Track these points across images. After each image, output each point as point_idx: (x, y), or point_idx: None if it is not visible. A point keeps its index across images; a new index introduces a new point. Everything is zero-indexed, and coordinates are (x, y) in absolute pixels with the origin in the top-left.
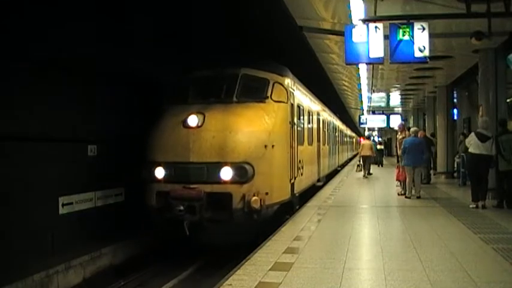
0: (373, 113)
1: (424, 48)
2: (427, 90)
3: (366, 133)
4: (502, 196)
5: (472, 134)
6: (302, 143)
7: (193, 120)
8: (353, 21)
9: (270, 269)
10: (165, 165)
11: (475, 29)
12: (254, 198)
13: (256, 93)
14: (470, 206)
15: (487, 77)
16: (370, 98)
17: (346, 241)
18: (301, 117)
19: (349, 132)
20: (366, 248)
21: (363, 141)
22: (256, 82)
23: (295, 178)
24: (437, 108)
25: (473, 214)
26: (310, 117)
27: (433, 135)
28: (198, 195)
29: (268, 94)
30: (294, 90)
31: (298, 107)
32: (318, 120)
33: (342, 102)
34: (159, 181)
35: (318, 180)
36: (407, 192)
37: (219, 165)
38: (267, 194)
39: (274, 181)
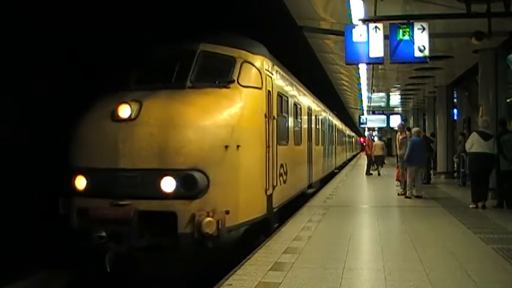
0: (373, 113)
1: (424, 48)
2: (427, 90)
3: (366, 133)
4: (502, 196)
5: (474, 133)
6: (285, 143)
7: (124, 110)
8: (353, 21)
9: (270, 269)
10: (87, 173)
11: (475, 29)
12: (207, 219)
13: (218, 75)
14: (470, 206)
15: (487, 77)
16: (370, 98)
17: (346, 241)
18: (285, 110)
19: (348, 131)
20: (366, 248)
21: (375, 142)
22: (218, 61)
23: (274, 187)
24: (437, 108)
25: (473, 214)
26: (298, 111)
27: (433, 135)
28: (125, 215)
29: (234, 77)
30: (273, 74)
31: (280, 96)
32: (309, 115)
33: (341, 102)
34: (80, 194)
35: (310, 187)
36: (407, 192)
37: (159, 173)
38: (227, 212)
39: (240, 194)
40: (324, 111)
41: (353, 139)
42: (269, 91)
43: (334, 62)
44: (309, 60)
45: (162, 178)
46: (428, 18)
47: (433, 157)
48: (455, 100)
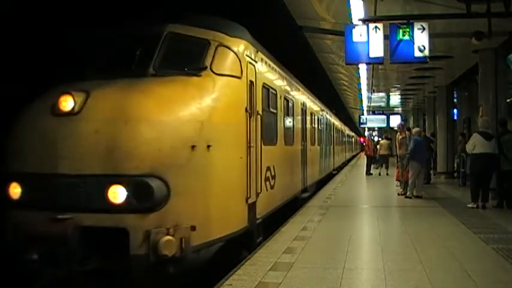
0: (373, 113)
1: (424, 48)
2: (427, 90)
3: (366, 133)
4: (502, 196)
5: (475, 134)
6: (273, 142)
7: (66, 102)
8: (353, 21)
9: (270, 269)
10: (22, 180)
11: (475, 29)
12: (166, 238)
13: (188, 61)
14: (469, 205)
15: (487, 77)
16: (370, 98)
17: (346, 241)
18: (273, 105)
19: (347, 131)
20: (366, 248)
21: (381, 141)
22: (189, 45)
23: (257, 195)
24: (437, 108)
25: (474, 214)
26: (291, 107)
27: (433, 135)
28: (63, 233)
29: (207, 63)
30: (257, 62)
31: (267, 89)
32: (304, 113)
33: (341, 101)
34: (15, 205)
35: (304, 191)
36: (408, 192)
37: (106, 180)
38: (193, 228)
39: (212, 205)
40: (321, 109)
41: (353, 139)
42: (251, 81)
43: (334, 62)
44: (309, 60)
45: (109, 186)
46: (428, 18)
47: (433, 157)
48: (455, 100)
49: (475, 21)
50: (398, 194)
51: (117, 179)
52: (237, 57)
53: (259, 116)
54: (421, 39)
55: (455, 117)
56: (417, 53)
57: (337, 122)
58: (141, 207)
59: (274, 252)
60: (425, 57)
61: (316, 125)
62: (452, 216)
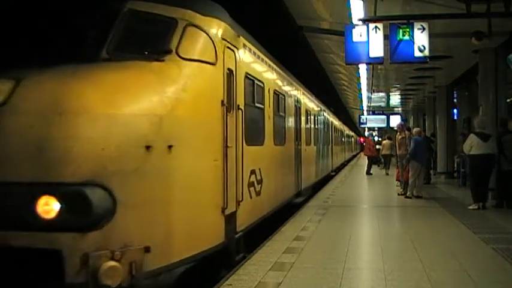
0: (373, 113)
1: (424, 48)
2: (427, 90)
3: (366, 133)
4: (502, 196)
5: (472, 135)
6: (260, 142)
7: None
8: (353, 21)
9: (270, 269)
10: None
11: (475, 29)
12: (110, 264)
13: (151, 44)
14: (470, 207)
15: (487, 77)
16: (370, 98)
17: (346, 241)
18: (259, 100)
19: (347, 130)
20: (366, 248)
21: (384, 141)
22: (151, 24)
23: (238, 203)
24: (437, 108)
25: (473, 214)
26: (282, 103)
27: (433, 135)
28: None
29: (172, 46)
30: (238, 48)
31: (251, 80)
32: (298, 110)
33: (341, 101)
34: None
35: (298, 195)
36: (408, 192)
37: (34, 189)
38: (147, 250)
39: (174, 219)
40: (319, 107)
41: (352, 139)
42: (230, 70)
43: (334, 62)
44: (309, 60)
45: (39, 198)
46: (428, 18)
47: (433, 157)
48: (455, 100)
49: (475, 21)
50: (399, 194)
51: (48, 188)
52: (211, 40)
53: (240, 111)
54: (421, 39)
55: (455, 117)
56: (417, 53)
57: (336, 121)
58: (77, 224)
59: (274, 252)
60: (425, 57)
61: (312, 124)
62: (452, 216)
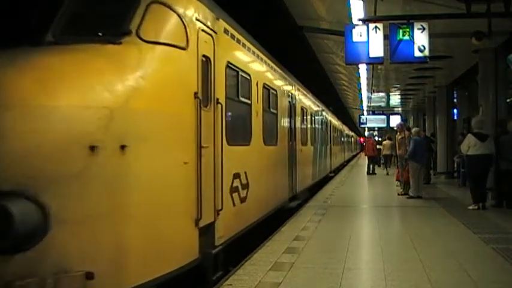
0: (373, 113)
1: (424, 48)
2: (427, 90)
3: (366, 133)
4: (502, 196)
5: (469, 135)
6: (246, 142)
7: None
8: (353, 21)
9: (270, 269)
10: None
11: (475, 29)
12: None
13: (106, 24)
14: (470, 207)
15: (487, 77)
16: (370, 98)
17: (346, 241)
18: (245, 94)
19: (346, 130)
20: (366, 248)
21: (384, 142)
22: (107, 2)
23: (218, 212)
24: (437, 108)
25: (473, 214)
26: (273, 99)
27: (433, 135)
28: None
29: (132, 26)
30: (216, 33)
31: (235, 71)
32: (293, 107)
33: (341, 101)
34: None
35: (293, 198)
36: (411, 192)
37: None
38: (90, 276)
39: (127, 236)
40: (316, 105)
41: (352, 139)
42: (207, 57)
43: (334, 62)
44: (309, 60)
45: None
46: (428, 18)
47: (433, 157)
48: (455, 100)
49: (475, 21)
50: (399, 194)
51: None
52: (181, 20)
53: (220, 106)
54: (421, 39)
55: (455, 117)
56: (417, 53)
57: (335, 120)
58: None
59: (274, 252)
60: (425, 57)
61: (309, 123)
62: (452, 216)
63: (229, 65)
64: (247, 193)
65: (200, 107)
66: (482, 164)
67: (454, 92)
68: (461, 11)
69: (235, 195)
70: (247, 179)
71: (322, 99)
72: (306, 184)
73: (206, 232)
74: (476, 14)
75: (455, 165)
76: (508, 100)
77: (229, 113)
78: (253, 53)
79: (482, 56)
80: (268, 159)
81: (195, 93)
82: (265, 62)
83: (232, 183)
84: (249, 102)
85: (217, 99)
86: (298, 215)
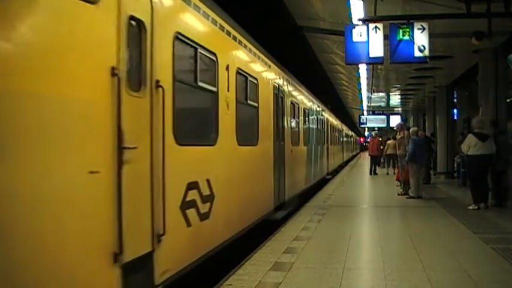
0: (373, 113)
1: (424, 48)
2: (427, 90)
3: (366, 133)
4: (501, 196)
5: (470, 135)
6: (209, 141)
7: None
8: (353, 21)
9: (270, 269)
10: None
11: (475, 29)
12: None
13: None
14: (470, 207)
15: (487, 77)
16: (370, 98)
17: (346, 241)
18: (207, 78)
19: (346, 130)
20: (366, 248)
21: (389, 141)
22: None
23: (160, 239)
24: (437, 108)
25: (473, 214)
26: (252, 90)
27: (433, 135)
28: None
29: None
30: None
31: (191, 46)
32: (281, 101)
33: (341, 101)
34: None
35: (280, 207)
36: (412, 192)
37: None
38: None
39: None
40: (311, 101)
41: (352, 139)
42: (138, 21)
43: (334, 62)
44: (309, 61)
45: None
46: (428, 18)
47: (433, 157)
48: (455, 100)
49: (475, 21)
50: (399, 194)
51: None
52: None
53: (160, 91)
54: (421, 39)
55: (455, 117)
56: (417, 53)
57: (333, 119)
58: None
59: (274, 252)
60: (425, 57)
61: (302, 120)
62: (452, 216)
63: (180, 36)
64: (210, 207)
65: (120, 90)
66: (482, 163)
67: (454, 92)
68: (461, 11)
69: (190, 211)
70: (210, 189)
71: (322, 98)
72: (297, 189)
73: (137, 269)
74: (476, 14)
75: (455, 165)
76: (508, 100)
77: (181, 102)
78: (222, 28)
79: (482, 56)
80: (244, 162)
81: (113, 69)
82: (242, 44)
83: (186, 196)
84: (214, 89)
85: (158, 81)
86: (298, 215)
